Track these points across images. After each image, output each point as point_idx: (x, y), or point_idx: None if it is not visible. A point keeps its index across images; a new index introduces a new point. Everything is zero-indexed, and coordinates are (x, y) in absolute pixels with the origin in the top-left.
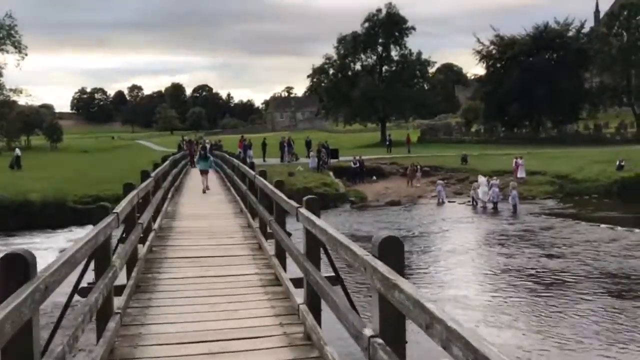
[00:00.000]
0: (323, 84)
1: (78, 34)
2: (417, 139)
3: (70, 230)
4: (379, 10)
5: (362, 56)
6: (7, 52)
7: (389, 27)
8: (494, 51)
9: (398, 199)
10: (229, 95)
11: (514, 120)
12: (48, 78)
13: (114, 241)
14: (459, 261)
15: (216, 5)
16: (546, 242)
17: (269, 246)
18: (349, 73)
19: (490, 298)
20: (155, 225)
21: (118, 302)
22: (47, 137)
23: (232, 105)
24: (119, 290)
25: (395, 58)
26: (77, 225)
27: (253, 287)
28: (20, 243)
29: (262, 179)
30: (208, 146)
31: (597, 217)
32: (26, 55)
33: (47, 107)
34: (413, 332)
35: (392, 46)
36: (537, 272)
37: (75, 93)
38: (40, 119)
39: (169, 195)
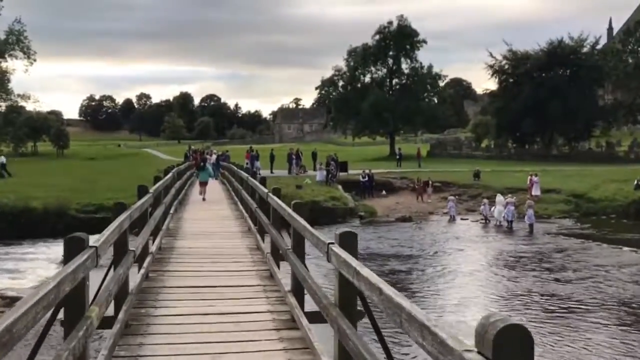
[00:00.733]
0: (332, 96)
1: (88, 42)
2: (426, 153)
3: None
4: (390, 23)
5: (372, 68)
6: (16, 57)
7: (400, 39)
8: (506, 66)
9: (409, 214)
10: (237, 105)
11: (526, 137)
12: (57, 85)
13: (100, 275)
14: (474, 283)
15: (225, 16)
16: (565, 265)
17: (283, 278)
18: (359, 85)
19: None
20: (154, 247)
21: (104, 344)
22: (54, 144)
23: (240, 115)
24: (108, 323)
25: (406, 71)
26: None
27: (264, 330)
28: (14, 253)
29: (276, 198)
30: (214, 157)
31: (617, 239)
32: (35, 61)
33: (56, 114)
34: None
35: (402, 59)
36: (555, 298)
37: (84, 100)
38: (48, 126)
39: (172, 211)
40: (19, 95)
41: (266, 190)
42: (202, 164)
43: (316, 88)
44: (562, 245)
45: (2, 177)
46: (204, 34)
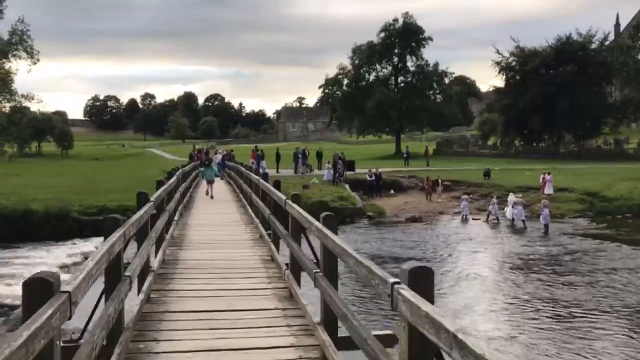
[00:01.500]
0: (337, 94)
1: (91, 42)
2: (432, 151)
3: (73, 244)
4: (396, 20)
5: (378, 66)
6: (20, 57)
7: (406, 37)
8: (513, 63)
9: (419, 214)
10: (240, 104)
11: (534, 134)
12: (62, 85)
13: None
14: (493, 288)
15: (229, 15)
16: (587, 268)
17: (309, 305)
18: (364, 83)
19: (526, 334)
20: (156, 263)
21: None
22: (58, 144)
23: (244, 114)
24: None
25: (412, 69)
26: (80, 238)
27: None
28: (12, 257)
29: (297, 207)
30: (220, 156)
31: (637, 239)
32: (38, 60)
33: (60, 114)
34: None
35: (408, 56)
36: (575, 303)
37: (88, 100)
38: (52, 126)
39: (176, 217)
40: (22, 96)
41: (284, 197)
42: (207, 162)
43: (320, 87)
44: (580, 246)
45: None
46: (207, 34)
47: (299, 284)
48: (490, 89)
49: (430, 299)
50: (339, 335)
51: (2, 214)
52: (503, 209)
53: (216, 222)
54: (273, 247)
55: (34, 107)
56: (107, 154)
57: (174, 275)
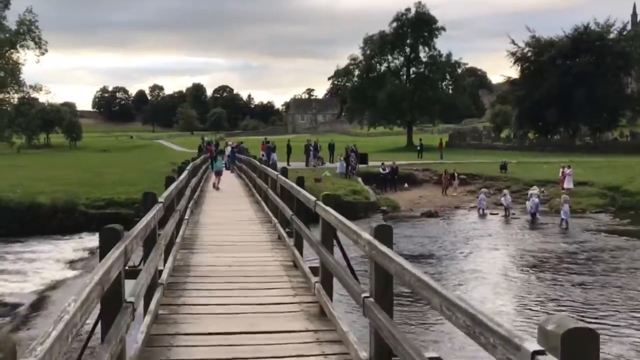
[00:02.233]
0: (347, 85)
1: (100, 34)
2: (445, 144)
3: (80, 237)
4: (408, 10)
5: (389, 57)
6: (28, 47)
7: (418, 26)
8: (529, 53)
9: (434, 209)
10: (249, 96)
11: (549, 126)
12: (71, 77)
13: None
14: (517, 287)
15: (237, 6)
16: (613, 266)
17: (350, 333)
18: (375, 74)
19: None
20: (165, 273)
21: None
22: (67, 136)
23: (253, 106)
24: None
25: (424, 59)
26: (88, 232)
27: None
28: (18, 252)
29: (332, 211)
30: (229, 148)
31: None
32: (46, 51)
33: (69, 105)
34: None
35: (420, 47)
36: (609, 304)
37: (97, 92)
38: (61, 117)
39: (186, 216)
40: (30, 87)
41: (313, 198)
42: (216, 155)
43: (329, 78)
44: (605, 243)
45: None
46: (215, 25)
47: (331, 298)
48: (503, 80)
49: None
50: None
51: (8, 207)
52: (521, 202)
53: (229, 220)
54: (296, 251)
55: (42, 98)
56: (115, 145)
57: (186, 285)
